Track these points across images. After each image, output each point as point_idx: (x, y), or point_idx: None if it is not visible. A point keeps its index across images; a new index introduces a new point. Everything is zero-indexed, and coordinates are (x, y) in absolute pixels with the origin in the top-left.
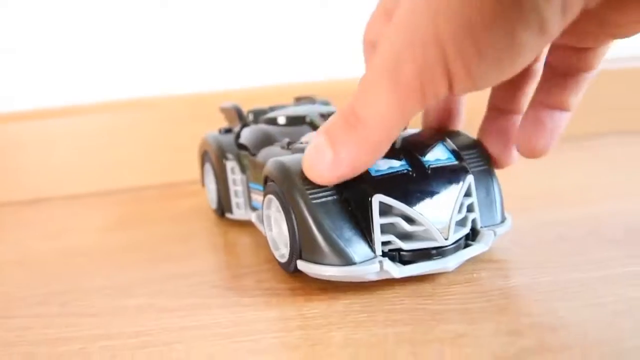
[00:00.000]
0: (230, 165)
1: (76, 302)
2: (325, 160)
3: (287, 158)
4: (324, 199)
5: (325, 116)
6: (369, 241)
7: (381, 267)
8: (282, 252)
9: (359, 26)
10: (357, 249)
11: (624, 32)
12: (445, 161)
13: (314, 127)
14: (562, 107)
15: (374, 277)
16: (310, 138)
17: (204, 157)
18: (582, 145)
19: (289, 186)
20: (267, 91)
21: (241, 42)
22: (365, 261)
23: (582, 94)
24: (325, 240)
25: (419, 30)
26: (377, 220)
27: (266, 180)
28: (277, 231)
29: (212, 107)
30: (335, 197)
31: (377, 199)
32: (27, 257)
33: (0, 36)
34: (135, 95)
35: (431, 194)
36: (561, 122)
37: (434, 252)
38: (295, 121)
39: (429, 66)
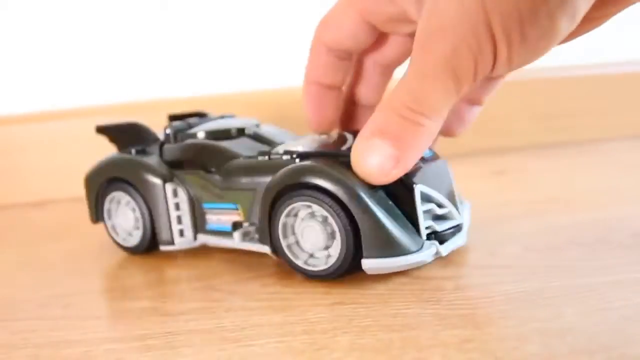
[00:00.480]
0: (171, 187)
1: (80, 304)
2: (389, 159)
3: (322, 165)
4: (379, 196)
5: (259, 127)
6: (415, 228)
7: (437, 250)
8: (321, 258)
9: None
10: (412, 237)
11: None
12: (428, 152)
13: (256, 139)
14: (479, 103)
15: (430, 260)
16: (290, 146)
17: (103, 187)
18: (592, 149)
19: (349, 188)
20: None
21: (240, 45)
22: (423, 247)
23: (494, 92)
24: (393, 233)
25: (471, 18)
26: (421, 208)
27: (281, 191)
28: (305, 238)
29: (213, 110)
30: (382, 192)
31: (419, 189)
32: (31, 259)
33: (5, 39)
34: (140, 98)
35: (440, 179)
36: (475, 114)
37: (456, 229)
38: (240, 134)
39: (482, 51)
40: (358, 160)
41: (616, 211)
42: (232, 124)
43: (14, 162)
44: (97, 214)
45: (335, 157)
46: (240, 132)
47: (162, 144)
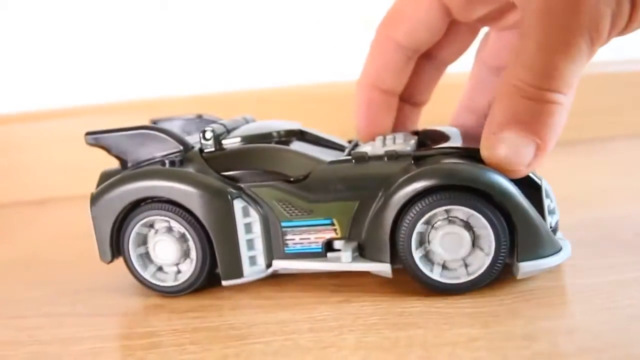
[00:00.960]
0: (240, 205)
1: (86, 302)
2: (527, 149)
3: (471, 165)
4: (521, 193)
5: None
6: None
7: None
8: (477, 262)
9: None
10: (551, 234)
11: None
12: None
13: (311, 141)
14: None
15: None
16: (377, 148)
17: (125, 212)
18: (598, 148)
19: (504, 187)
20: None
21: (241, 44)
22: (560, 239)
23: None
24: (547, 232)
25: None
26: (546, 203)
27: (424, 192)
28: (445, 247)
29: (216, 109)
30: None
31: (545, 184)
32: (36, 258)
33: (6, 38)
34: (141, 96)
35: None
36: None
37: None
38: (294, 136)
39: (621, 12)
40: (492, 156)
41: (621, 210)
42: (281, 125)
43: (16, 160)
44: (112, 249)
45: (454, 154)
46: (297, 134)
47: (201, 151)
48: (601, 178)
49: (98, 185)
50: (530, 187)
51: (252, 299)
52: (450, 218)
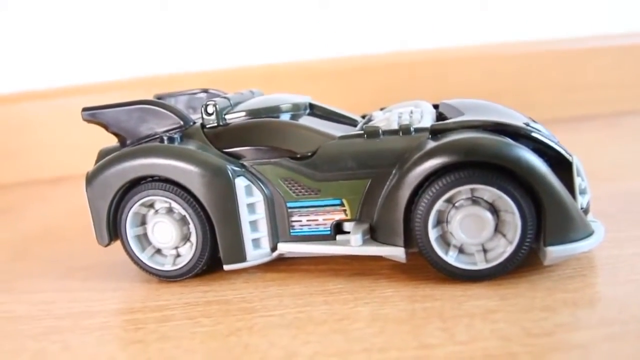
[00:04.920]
0: (243, 184)
1: (98, 277)
2: None
3: (498, 139)
4: (551, 171)
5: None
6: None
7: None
8: (497, 249)
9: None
10: (583, 216)
11: None
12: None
13: (320, 115)
14: None
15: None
16: (381, 118)
17: (123, 192)
18: (616, 122)
19: (532, 164)
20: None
21: (251, 19)
22: (592, 222)
23: None
24: (579, 214)
25: None
26: (577, 183)
27: (442, 169)
28: (464, 229)
29: (229, 84)
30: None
31: (576, 161)
32: (49, 234)
33: (20, 18)
34: (154, 72)
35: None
36: None
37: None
38: (303, 110)
39: None
40: None
41: (639, 183)
42: (289, 99)
43: (30, 139)
44: (110, 231)
45: (477, 128)
46: (306, 108)
47: (203, 127)
48: (619, 152)
49: (96, 164)
50: (560, 164)
51: (264, 272)
52: (474, 198)
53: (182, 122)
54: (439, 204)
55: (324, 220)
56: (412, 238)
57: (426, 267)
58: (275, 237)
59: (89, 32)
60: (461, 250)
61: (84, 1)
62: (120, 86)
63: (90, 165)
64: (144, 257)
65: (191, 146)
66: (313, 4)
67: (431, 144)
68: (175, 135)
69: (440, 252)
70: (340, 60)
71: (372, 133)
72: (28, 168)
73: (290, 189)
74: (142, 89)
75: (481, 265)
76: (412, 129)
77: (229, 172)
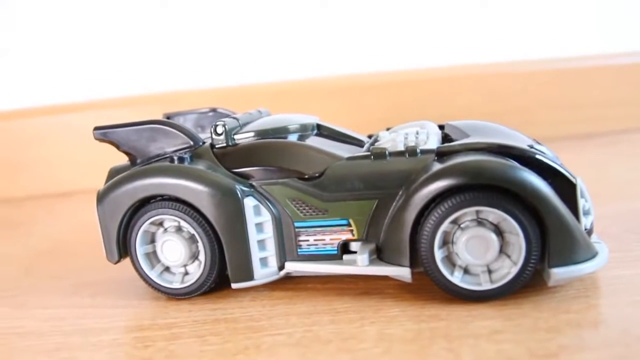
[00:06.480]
0: (252, 203)
1: (107, 293)
2: None
3: (500, 161)
4: (554, 193)
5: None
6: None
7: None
8: (502, 270)
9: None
10: (587, 238)
11: None
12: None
13: (327, 135)
14: None
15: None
16: (387, 138)
17: (133, 210)
18: (621, 140)
19: (536, 187)
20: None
21: (258, 37)
22: (596, 243)
23: None
24: (583, 235)
25: None
26: (581, 204)
27: (447, 191)
28: (469, 250)
29: (236, 101)
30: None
31: (580, 182)
32: (58, 249)
33: (26, 33)
34: (162, 89)
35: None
36: None
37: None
38: (310, 130)
39: None
40: None
41: None
42: (297, 119)
43: (41, 153)
44: (120, 248)
45: (482, 151)
46: (313, 129)
47: (212, 147)
48: (623, 171)
49: (106, 182)
50: (564, 186)
51: (271, 291)
52: (479, 219)
53: (192, 142)
54: (445, 225)
55: (331, 240)
56: (418, 258)
57: (432, 287)
58: (283, 256)
59: (98, 49)
60: (466, 271)
61: (93, 18)
62: (129, 102)
63: (97, 180)
64: (153, 274)
65: (201, 166)
66: (321, 23)
67: (437, 166)
68: (185, 155)
69: (445, 272)
70: (345, 77)
71: (379, 154)
72: (37, 182)
73: (298, 209)
74: (151, 106)
75: (486, 286)
76: (418, 150)
77: (238, 192)
